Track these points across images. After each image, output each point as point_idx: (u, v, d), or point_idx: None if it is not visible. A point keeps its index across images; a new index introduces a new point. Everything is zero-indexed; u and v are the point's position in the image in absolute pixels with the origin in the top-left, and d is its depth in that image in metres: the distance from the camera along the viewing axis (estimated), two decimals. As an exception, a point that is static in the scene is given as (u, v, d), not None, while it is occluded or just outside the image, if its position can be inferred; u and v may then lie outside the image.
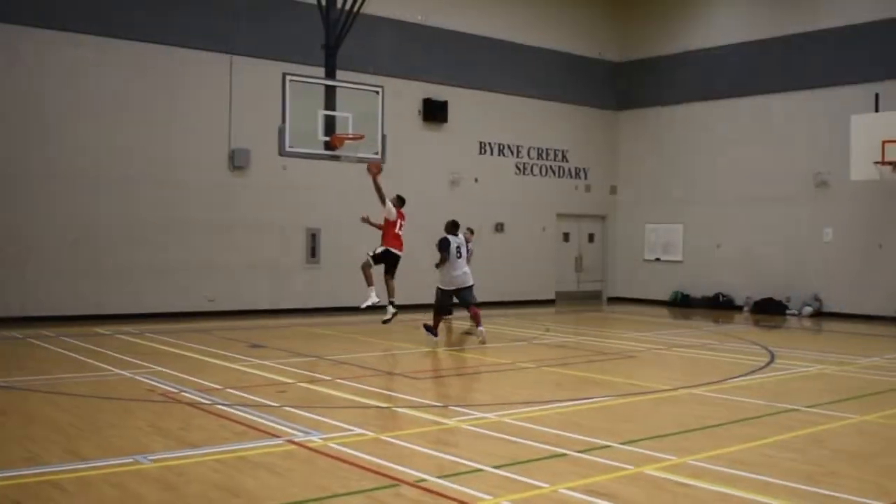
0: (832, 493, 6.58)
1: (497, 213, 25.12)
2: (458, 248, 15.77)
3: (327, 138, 16.10)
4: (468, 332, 16.94)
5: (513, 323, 19.57)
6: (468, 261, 16.18)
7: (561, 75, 26.62)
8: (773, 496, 6.45)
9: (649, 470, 7.10)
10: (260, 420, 8.82)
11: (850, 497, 6.47)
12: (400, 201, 16.36)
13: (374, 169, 15.71)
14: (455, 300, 16.05)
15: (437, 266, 15.93)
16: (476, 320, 15.64)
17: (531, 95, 25.88)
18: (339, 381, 11.56)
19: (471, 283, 15.85)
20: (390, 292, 15.90)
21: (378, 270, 15.86)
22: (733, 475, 7.01)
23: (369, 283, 15.59)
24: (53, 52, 18.32)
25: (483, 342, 15.27)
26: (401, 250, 15.89)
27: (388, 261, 15.83)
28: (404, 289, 22.32)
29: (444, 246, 15.69)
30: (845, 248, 22.67)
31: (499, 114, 25.19)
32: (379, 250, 15.84)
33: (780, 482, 6.85)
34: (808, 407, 10.06)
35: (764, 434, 8.55)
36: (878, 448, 8.17)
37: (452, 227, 16.14)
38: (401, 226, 16.03)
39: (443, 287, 15.80)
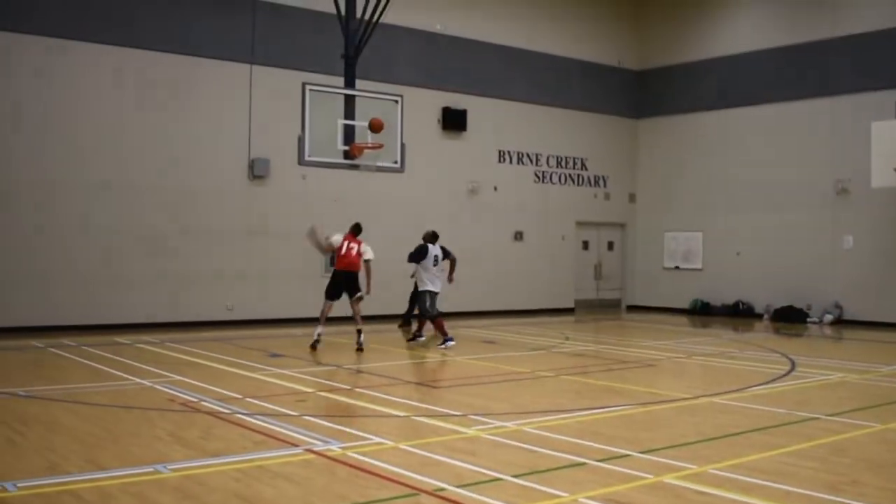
0: (854, 503, 6.52)
1: (516, 222, 25.11)
2: (436, 256, 16.77)
3: (347, 147, 16.15)
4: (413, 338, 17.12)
5: (532, 331, 19.53)
6: (452, 269, 17.35)
7: (580, 83, 26.61)
8: (794, 506, 6.40)
9: (669, 479, 7.05)
10: (279, 429, 8.83)
11: (873, 507, 6.41)
12: (357, 229, 16.30)
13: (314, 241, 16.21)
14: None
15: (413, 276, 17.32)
16: (439, 329, 16.51)
17: (550, 104, 25.87)
18: (358, 390, 11.56)
19: (438, 291, 16.80)
20: (356, 317, 15.79)
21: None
22: (753, 484, 6.96)
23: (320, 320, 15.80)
24: (73, 63, 18.44)
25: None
26: (348, 268, 15.70)
27: (342, 285, 15.70)
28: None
29: (420, 252, 16.73)
30: (866, 256, 22.51)
31: (518, 122, 25.20)
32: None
33: (801, 491, 6.79)
34: (829, 415, 9.98)
35: (784, 443, 8.48)
36: (900, 457, 8.10)
37: (432, 237, 17.07)
38: (347, 247, 15.79)
39: (430, 289, 16.69)
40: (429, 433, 8.79)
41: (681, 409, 10.52)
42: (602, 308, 27.45)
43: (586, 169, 26.89)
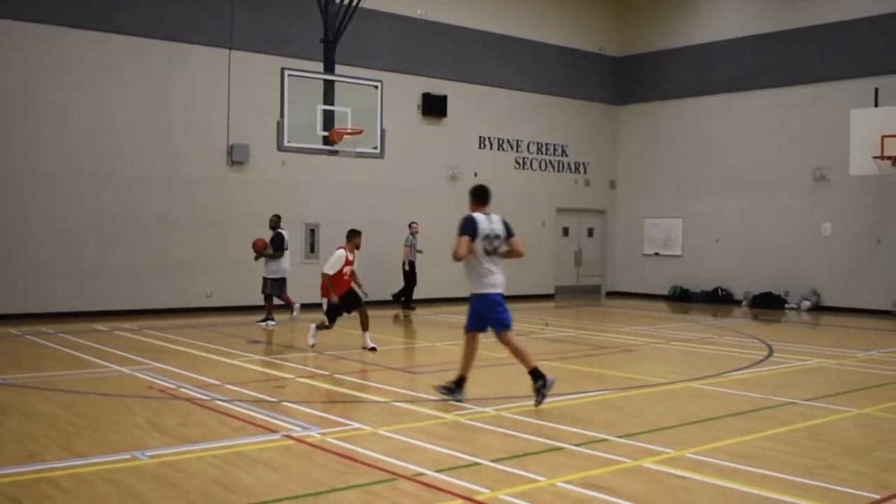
0: (830, 486, 6.59)
1: (496, 208, 24.91)
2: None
3: (326, 133, 16.11)
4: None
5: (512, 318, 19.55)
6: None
7: (561, 70, 26.61)
8: (770, 489, 6.45)
9: (647, 463, 7.10)
10: (258, 416, 8.82)
11: (848, 490, 6.48)
12: (353, 234, 14.39)
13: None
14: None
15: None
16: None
17: (531, 90, 25.86)
18: (337, 376, 11.56)
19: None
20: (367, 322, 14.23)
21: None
22: (731, 468, 7.02)
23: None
24: (49, 48, 18.29)
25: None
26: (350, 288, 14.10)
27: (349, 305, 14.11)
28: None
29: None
30: (844, 243, 22.67)
31: (498, 108, 25.18)
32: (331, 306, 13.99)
33: (778, 475, 6.85)
34: (806, 400, 10.06)
35: (761, 427, 8.55)
36: (875, 441, 8.17)
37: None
38: (348, 262, 14.02)
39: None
40: (408, 419, 8.80)
41: (659, 394, 10.58)
42: (582, 294, 27.53)
43: (567, 155, 26.92)
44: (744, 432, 8.33)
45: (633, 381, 11.30)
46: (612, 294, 27.91)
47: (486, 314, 9.51)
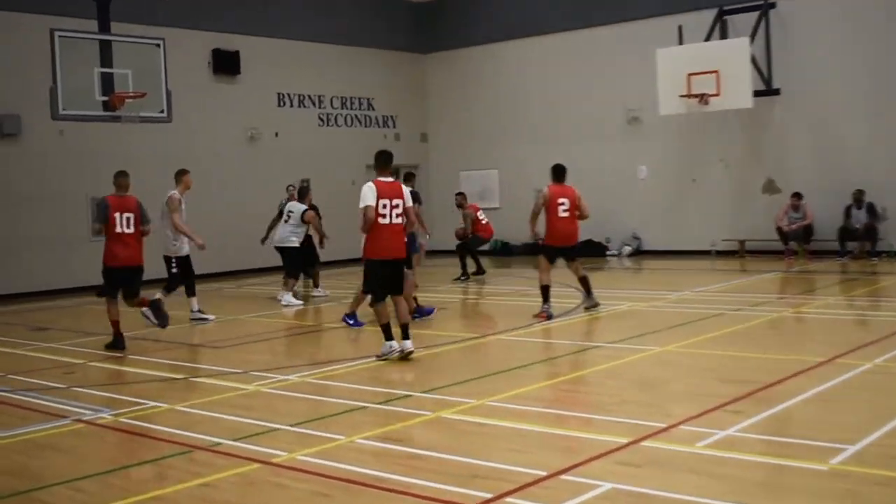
0: (619, 420, 7.41)
1: (302, 169, 25.32)
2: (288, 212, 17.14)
3: (106, 98, 16.08)
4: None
5: (323, 283, 19.95)
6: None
7: (362, 18, 26.96)
8: (564, 427, 7.22)
9: (447, 414, 7.76)
10: (46, 403, 9.01)
11: (636, 421, 7.28)
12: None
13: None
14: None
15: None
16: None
17: (331, 41, 26.12)
18: (132, 357, 11.76)
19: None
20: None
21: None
22: (530, 412, 7.76)
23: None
24: None
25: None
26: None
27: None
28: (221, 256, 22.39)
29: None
30: (660, 185, 24.08)
31: (297, 62, 25.37)
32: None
33: (573, 413, 7.65)
34: (611, 343, 10.99)
35: (564, 372, 9.39)
36: (670, 375, 9.11)
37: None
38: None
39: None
40: (206, 393, 9.18)
41: (467, 348, 11.33)
42: (400, 256, 28.11)
43: (373, 109, 27.43)
44: (546, 378, 9.14)
45: (442, 339, 11.97)
46: (431, 253, 28.66)
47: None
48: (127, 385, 9.99)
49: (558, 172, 13.97)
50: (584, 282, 13.92)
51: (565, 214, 13.67)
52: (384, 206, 10.29)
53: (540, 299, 13.52)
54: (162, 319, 12.66)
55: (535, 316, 13.25)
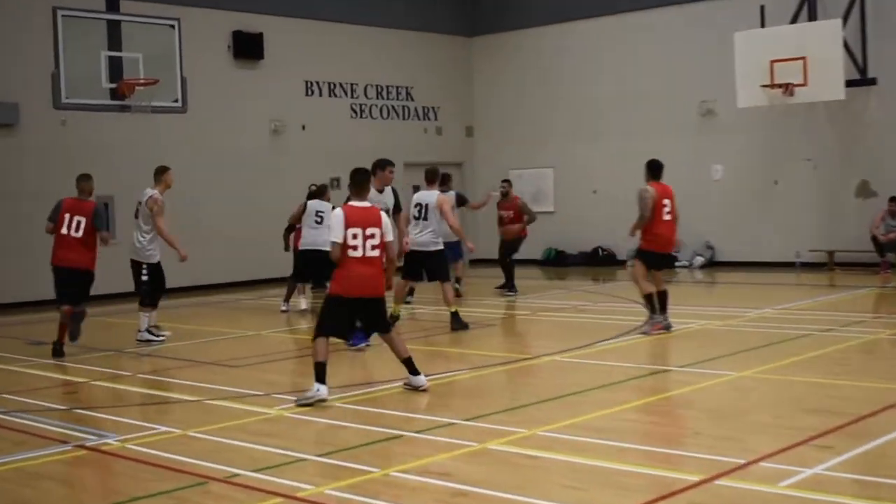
0: (691, 454, 7.38)
1: (331, 166, 25.38)
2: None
3: (114, 85, 16.27)
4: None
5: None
6: None
7: (400, -3, 27.09)
8: (625, 462, 7.17)
9: (494, 445, 7.75)
10: (44, 426, 9.10)
11: (710, 457, 7.23)
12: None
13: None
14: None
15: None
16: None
17: (365, 23, 26.20)
18: (141, 375, 11.88)
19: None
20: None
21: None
22: (586, 443, 7.73)
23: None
24: None
25: None
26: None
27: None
28: (224, 263, 22.58)
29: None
30: (737, 187, 23.89)
31: (327, 47, 25.47)
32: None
33: (637, 447, 7.61)
34: (682, 367, 10.93)
35: (627, 399, 9.34)
36: (748, 405, 9.04)
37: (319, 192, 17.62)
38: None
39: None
40: (223, 417, 9.23)
41: (517, 370, 11.33)
42: (441, 265, 28.12)
43: (413, 99, 27.48)
44: (606, 405, 9.07)
45: (489, 359, 11.98)
46: (476, 262, 28.65)
47: None
48: (135, 407, 10.08)
49: (657, 169, 13.95)
50: (664, 297, 13.80)
51: (668, 217, 13.67)
52: (354, 237, 9.68)
53: (646, 312, 13.72)
54: (75, 332, 13.44)
55: (644, 332, 13.33)
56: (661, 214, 13.60)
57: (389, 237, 9.99)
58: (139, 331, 14.28)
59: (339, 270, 9.80)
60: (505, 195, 20.65)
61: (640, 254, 14.00)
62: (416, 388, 9.99)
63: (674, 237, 14.03)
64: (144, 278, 14.20)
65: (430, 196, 14.84)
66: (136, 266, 14.28)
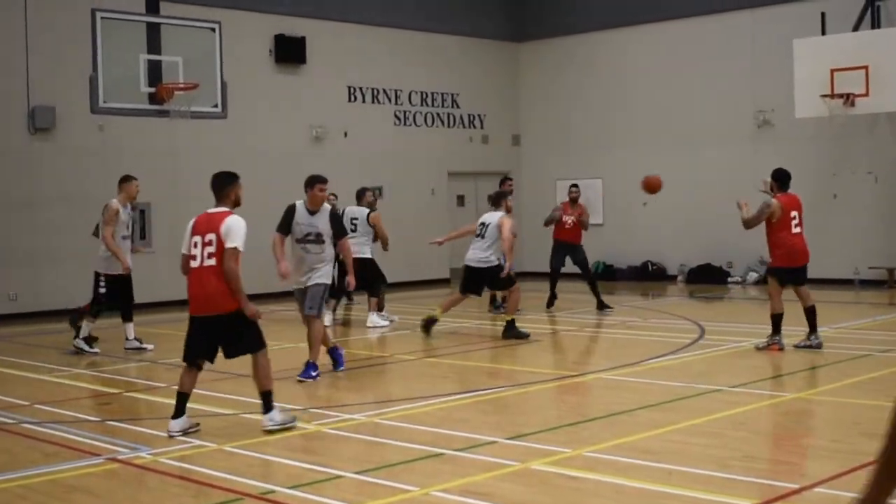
0: (743, 478, 7.32)
1: (374, 175, 25.47)
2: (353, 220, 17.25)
3: (153, 89, 16.39)
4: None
5: (394, 308, 20.04)
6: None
7: (447, 1, 27.11)
8: (674, 485, 7.13)
9: (537, 465, 7.74)
10: (76, 438, 9.19)
11: (764, 481, 7.20)
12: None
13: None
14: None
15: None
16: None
17: (410, 27, 26.28)
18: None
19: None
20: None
21: None
22: (633, 465, 7.70)
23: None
24: None
25: None
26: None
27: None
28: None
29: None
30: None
31: (371, 51, 25.55)
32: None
33: (686, 469, 7.55)
34: (733, 387, 10.85)
35: (676, 419, 9.28)
36: (804, 428, 9.00)
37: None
38: None
39: None
40: (258, 432, 9.27)
41: (563, 388, 11.30)
42: (485, 277, 28.11)
43: (458, 106, 27.52)
44: (654, 426, 9.04)
45: (535, 376, 11.98)
46: (522, 275, 28.61)
47: None
48: (169, 420, 10.13)
49: (786, 179, 13.62)
50: (811, 313, 13.63)
51: (798, 230, 13.45)
52: (195, 245, 9.06)
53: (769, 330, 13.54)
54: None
55: (761, 349, 13.28)
56: (790, 227, 13.33)
57: (231, 243, 8.93)
58: (127, 339, 14.99)
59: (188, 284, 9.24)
60: (574, 201, 20.43)
61: (771, 271, 13.84)
62: (264, 428, 9.19)
63: (805, 249, 13.66)
64: (102, 290, 14.52)
65: (492, 216, 15.74)
66: (95, 277, 14.66)
